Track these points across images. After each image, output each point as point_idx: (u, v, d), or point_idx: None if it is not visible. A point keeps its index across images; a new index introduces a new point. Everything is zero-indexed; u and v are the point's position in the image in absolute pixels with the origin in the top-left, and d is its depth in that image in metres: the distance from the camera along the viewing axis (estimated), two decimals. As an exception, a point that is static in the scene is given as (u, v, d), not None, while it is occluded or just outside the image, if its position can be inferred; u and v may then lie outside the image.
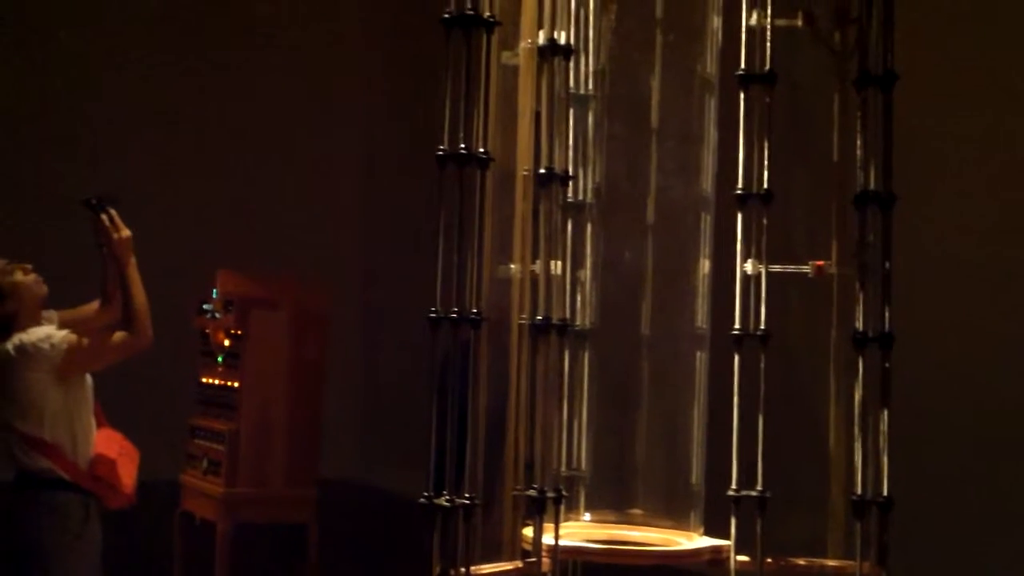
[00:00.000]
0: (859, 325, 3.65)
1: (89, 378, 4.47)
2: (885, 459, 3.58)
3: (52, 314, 4.55)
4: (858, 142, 3.72)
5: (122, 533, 4.62)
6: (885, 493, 3.57)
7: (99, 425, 4.51)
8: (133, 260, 4.40)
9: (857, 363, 3.63)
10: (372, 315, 12.68)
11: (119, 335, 4.38)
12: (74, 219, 4.54)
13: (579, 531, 3.88)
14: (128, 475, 4.48)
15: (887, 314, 3.64)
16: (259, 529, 7.15)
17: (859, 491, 3.58)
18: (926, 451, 6.08)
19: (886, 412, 3.60)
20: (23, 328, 4.36)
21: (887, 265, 3.66)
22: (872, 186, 3.67)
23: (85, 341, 4.33)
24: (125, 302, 4.38)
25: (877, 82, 3.71)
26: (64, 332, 4.36)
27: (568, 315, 3.62)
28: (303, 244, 12.01)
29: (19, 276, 4.42)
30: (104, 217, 4.37)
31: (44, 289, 4.49)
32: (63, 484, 4.33)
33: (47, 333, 4.36)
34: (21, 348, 4.31)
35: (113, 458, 4.43)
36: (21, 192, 11.56)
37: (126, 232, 4.39)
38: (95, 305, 4.67)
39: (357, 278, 12.68)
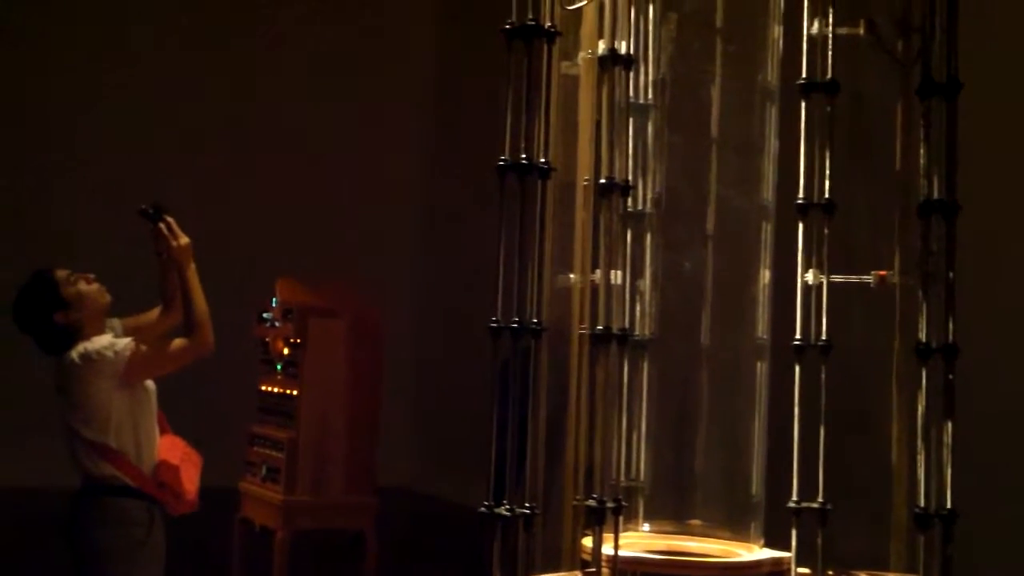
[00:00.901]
0: (922, 336, 3.61)
1: (152, 385, 4.51)
2: (948, 471, 3.55)
3: (115, 322, 4.59)
4: (921, 151, 3.68)
5: (181, 539, 4.64)
6: (948, 506, 3.53)
7: (162, 432, 4.55)
8: (193, 267, 4.43)
9: (920, 374, 3.59)
10: (430, 323, 12.71)
11: (180, 341, 4.42)
12: (135, 225, 4.57)
13: (638, 541, 3.86)
14: (191, 481, 4.50)
15: (951, 324, 3.61)
16: (317, 536, 7.20)
17: (922, 504, 3.55)
18: (991, 463, 6.00)
19: (949, 424, 3.56)
20: (87, 337, 4.40)
21: (951, 275, 3.62)
22: (936, 195, 3.64)
23: (146, 348, 4.37)
24: (186, 309, 4.42)
25: (941, 90, 3.67)
26: (127, 339, 4.40)
27: (628, 325, 3.61)
28: (362, 252, 12.08)
29: (82, 286, 4.46)
30: (162, 226, 4.41)
31: (107, 298, 4.52)
32: (128, 491, 4.36)
33: (111, 341, 4.40)
34: (86, 356, 4.34)
35: (176, 464, 4.45)
36: (82, 200, 11.71)
37: (185, 239, 4.42)
38: (156, 311, 4.71)
39: (415, 286, 12.73)
